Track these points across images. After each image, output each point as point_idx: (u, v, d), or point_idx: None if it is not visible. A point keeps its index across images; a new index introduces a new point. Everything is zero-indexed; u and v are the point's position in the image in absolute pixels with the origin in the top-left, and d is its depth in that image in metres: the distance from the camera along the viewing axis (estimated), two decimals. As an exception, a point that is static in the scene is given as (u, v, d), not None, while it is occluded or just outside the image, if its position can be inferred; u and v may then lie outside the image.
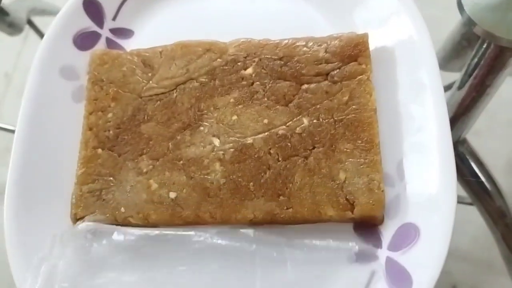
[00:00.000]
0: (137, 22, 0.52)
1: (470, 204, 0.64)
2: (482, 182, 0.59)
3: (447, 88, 0.54)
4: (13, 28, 0.72)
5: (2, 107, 1.16)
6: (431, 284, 0.37)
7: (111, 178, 0.44)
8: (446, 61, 0.60)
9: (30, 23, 0.75)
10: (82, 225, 0.42)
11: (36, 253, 0.42)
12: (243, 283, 0.41)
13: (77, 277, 0.40)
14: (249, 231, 0.41)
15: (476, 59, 0.48)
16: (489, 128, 0.92)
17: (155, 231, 0.42)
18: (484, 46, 0.46)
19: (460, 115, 0.54)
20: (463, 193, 0.63)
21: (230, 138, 0.43)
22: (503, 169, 0.93)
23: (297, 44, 0.46)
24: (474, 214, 0.64)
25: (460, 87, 0.52)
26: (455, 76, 0.54)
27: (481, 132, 0.86)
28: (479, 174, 0.60)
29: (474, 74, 0.49)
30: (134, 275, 0.41)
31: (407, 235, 0.40)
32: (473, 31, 0.44)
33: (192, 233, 0.41)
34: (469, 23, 0.44)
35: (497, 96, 0.53)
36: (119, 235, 0.42)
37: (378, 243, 0.41)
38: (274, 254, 0.42)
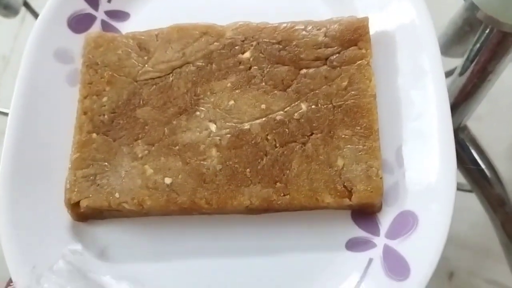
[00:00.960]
0: (133, 4, 0.51)
1: (469, 191, 0.63)
2: (482, 169, 0.59)
3: (448, 73, 0.54)
4: (9, 10, 0.71)
5: (0, 90, 1.15)
6: (429, 273, 0.37)
7: (106, 163, 0.43)
8: (448, 46, 0.59)
9: (26, 5, 0.74)
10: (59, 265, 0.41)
11: (30, 240, 0.41)
12: (238, 271, 0.41)
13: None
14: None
15: (478, 45, 0.47)
16: (491, 113, 0.91)
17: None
18: (487, 31, 0.46)
19: (461, 102, 0.54)
20: (462, 180, 0.63)
21: (227, 123, 0.43)
22: (504, 155, 0.92)
23: (296, 28, 0.45)
24: (472, 201, 0.64)
25: (461, 73, 0.51)
26: (457, 62, 0.53)
27: (482, 117, 0.85)
28: (479, 162, 0.59)
29: (476, 60, 0.48)
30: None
31: (405, 223, 0.39)
32: (476, 16, 0.43)
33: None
34: (471, 8, 0.43)
35: (499, 81, 0.52)
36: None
37: (376, 231, 0.40)
38: (270, 241, 0.42)
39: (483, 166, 0.59)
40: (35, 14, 0.74)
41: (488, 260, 0.91)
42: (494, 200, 0.59)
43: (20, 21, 1.17)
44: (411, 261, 0.38)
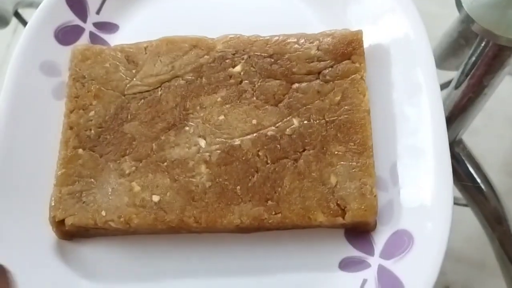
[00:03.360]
0: (123, 16, 0.50)
1: (465, 205, 0.62)
2: (478, 184, 0.58)
3: (443, 86, 0.53)
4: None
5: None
6: (425, 295, 0.36)
7: (92, 180, 0.42)
8: (443, 59, 0.59)
9: (17, 15, 0.73)
10: None
11: (13, 258, 0.40)
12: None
13: None
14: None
15: (473, 58, 0.47)
16: (486, 126, 0.90)
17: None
18: (482, 44, 0.45)
19: (456, 115, 0.53)
20: (458, 194, 0.62)
21: (217, 139, 0.41)
22: (499, 169, 0.92)
23: (288, 41, 0.44)
24: (468, 214, 0.63)
25: (456, 87, 0.50)
26: (452, 74, 0.52)
27: (477, 131, 0.84)
28: (475, 176, 0.58)
29: (471, 73, 0.48)
30: None
31: (401, 243, 0.38)
32: (471, 29, 0.42)
33: None
34: (467, 21, 0.42)
35: (495, 94, 0.51)
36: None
37: (370, 251, 0.39)
38: (261, 261, 0.40)
39: (478, 180, 0.58)
40: (26, 25, 0.74)
41: (483, 273, 0.89)
42: (490, 215, 0.58)
43: (13, 32, 1.16)
44: (407, 282, 0.37)
